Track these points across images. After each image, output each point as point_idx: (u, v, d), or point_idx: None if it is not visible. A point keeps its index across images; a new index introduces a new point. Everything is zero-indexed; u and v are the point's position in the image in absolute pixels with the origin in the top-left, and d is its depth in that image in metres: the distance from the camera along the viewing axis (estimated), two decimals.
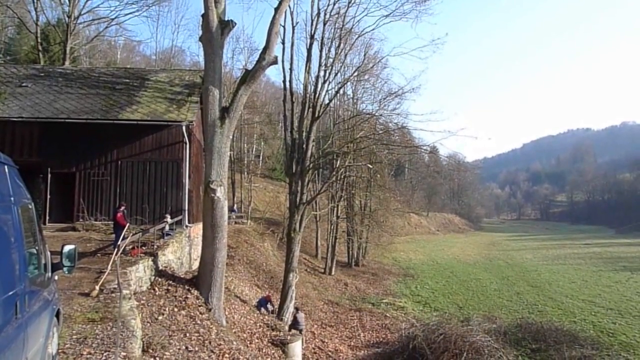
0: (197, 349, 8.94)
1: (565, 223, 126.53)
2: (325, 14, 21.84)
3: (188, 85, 21.07)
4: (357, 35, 24.00)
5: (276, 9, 14.54)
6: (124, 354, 5.43)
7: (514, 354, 17.44)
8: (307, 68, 22.19)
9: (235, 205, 39.88)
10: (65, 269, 4.60)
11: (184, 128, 17.76)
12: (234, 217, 34.57)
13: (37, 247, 4.08)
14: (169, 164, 17.96)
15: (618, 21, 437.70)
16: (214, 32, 12.96)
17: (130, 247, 12.37)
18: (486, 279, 39.35)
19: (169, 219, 16.04)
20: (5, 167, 3.56)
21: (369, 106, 38.99)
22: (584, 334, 21.08)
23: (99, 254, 12.14)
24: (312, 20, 21.91)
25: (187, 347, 8.70)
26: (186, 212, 17.99)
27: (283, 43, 21.73)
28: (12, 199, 3.53)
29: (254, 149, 59.25)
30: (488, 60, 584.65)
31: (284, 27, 21.34)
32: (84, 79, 20.89)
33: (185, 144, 17.97)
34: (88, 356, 5.40)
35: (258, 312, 18.02)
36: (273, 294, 21.68)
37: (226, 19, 13.42)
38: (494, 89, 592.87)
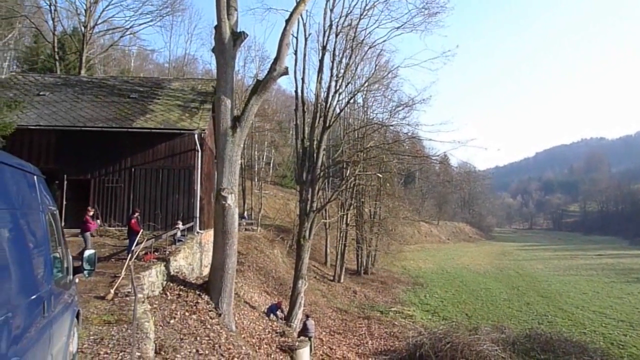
0: (207, 352, 9.17)
1: (577, 233, 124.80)
2: (337, 26, 22.23)
3: (201, 94, 21.53)
4: (368, 47, 24.36)
5: (287, 21, 14.87)
6: (139, 354, 5.68)
7: None
8: (319, 78, 22.55)
9: (246, 212, 40.25)
10: (85, 272, 4.89)
11: (196, 136, 18.15)
12: (244, 224, 34.91)
13: (60, 252, 4.37)
14: (181, 171, 18.35)
15: (631, 27, 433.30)
16: (227, 44, 13.32)
17: (144, 252, 12.70)
18: (496, 288, 39.08)
19: (180, 226, 16.39)
20: (35, 177, 3.87)
21: (379, 115, 39.33)
22: (594, 346, 20.89)
23: (113, 259, 12.48)
24: (325, 32, 22.35)
25: (197, 351, 8.94)
26: (197, 219, 18.33)
27: (295, 54, 22.17)
28: (41, 207, 3.83)
29: (265, 157, 59.76)
30: (498, 69, 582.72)
31: (296, 38, 21.85)
32: (100, 87, 21.47)
33: (198, 152, 18.36)
34: (105, 356, 5.68)
35: (267, 318, 18.21)
36: (282, 301, 21.85)
37: (238, 30, 13.81)
38: (506, 97, 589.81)
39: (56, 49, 31.86)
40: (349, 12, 22.22)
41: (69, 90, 20.70)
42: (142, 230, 13.34)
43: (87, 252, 4.93)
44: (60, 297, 4.09)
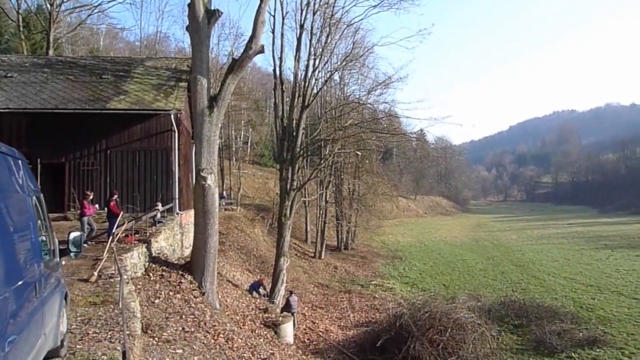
0: (193, 329, 9.38)
1: (550, 204, 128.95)
2: (314, 4, 22.04)
3: (175, 73, 21.10)
4: (345, 25, 24.34)
5: None
6: (127, 332, 5.81)
7: (496, 329, 18.21)
8: (297, 57, 22.45)
9: (225, 192, 40.12)
10: (72, 254, 4.95)
11: (172, 117, 17.89)
12: (224, 203, 34.84)
13: (47, 234, 4.42)
14: (158, 152, 18.14)
15: (602, 1, 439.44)
16: (201, 22, 13.10)
17: (124, 235, 12.68)
18: (472, 259, 40.38)
19: (160, 207, 16.33)
20: (20, 161, 3.91)
21: (356, 92, 39.32)
22: (564, 310, 21.97)
23: (92, 242, 12.43)
24: (302, 10, 22.25)
25: (183, 328, 9.13)
26: (176, 200, 18.26)
27: (273, 32, 22.02)
28: (27, 190, 3.88)
29: (242, 136, 59.26)
30: (473, 46, 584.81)
31: (273, 16, 21.63)
32: (70, 68, 20.81)
33: (174, 132, 18.13)
34: (94, 335, 5.79)
35: (250, 295, 18.51)
36: (265, 278, 22.18)
37: (212, 7, 13.58)
38: (480, 72, 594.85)
39: (21, 28, 30.56)
40: None
41: (37, 71, 20.00)
42: (122, 212, 13.27)
43: (73, 235, 4.98)
44: (50, 279, 4.17)
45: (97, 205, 13.84)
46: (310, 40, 22.78)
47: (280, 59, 22.29)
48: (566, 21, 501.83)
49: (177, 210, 18.38)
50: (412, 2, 21.41)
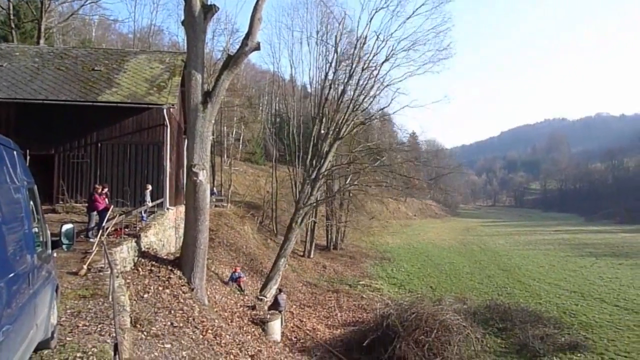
0: (181, 324, 9.37)
1: (538, 210, 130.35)
2: (363, 62, 25.65)
3: (168, 67, 20.95)
4: (385, 85, 26.63)
5: None
6: (118, 326, 5.81)
7: (481, 332, 18.40)
8: (340, 101, 26.50)
9: (215, 189, 39.94)
10: (64, 246, 4.94)
11: (164, 111, 17.80)
12: (214, 200, 34.68)
13: (39, 226, 4.41)
14: (150, 146, 18.03)
15: (594, 9, 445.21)
16: (197, 17, 13.07)
17: (113, 229, 12.59)
18: (459, 262, 40.71)
19: (148, 199, 16.21)
20: (14, 152, 3.89)
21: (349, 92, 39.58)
22: (548, 315, 22.28)
23: (82, 236, 12.33)
24: (352, 65, 25.84)
25: (172, 323, 9.12)
26: (167, 195, 18.18)
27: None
28: (21, 181, 3.86)
29: (234, 132, 59.01)
30: (468, 52, 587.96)
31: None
32: (62, 58, 20.53)
33: (166, 127, 18.05)
34: (84, 327, 5.78)
35: (227, 285, 18.59)
36: (253, 276, 22.19)
37: (209, 3, 13.54)
38: (472, 78, 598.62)
39: (12, 17, 30.09)
40: None
41: (28, 60, 19.73)
42: (112, 206, 13.18)
43: (65, 227, 4.97)
44: (42, 271, 4.17)
45: (106, 200, 13.32)
46: (354, 92, 25.88)
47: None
48: (562, 31, 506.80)
49: (168, 206, 18.31)
50: (444, 66, 23.60)
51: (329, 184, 40.90)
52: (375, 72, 25.66)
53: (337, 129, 24.80)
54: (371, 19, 24.88)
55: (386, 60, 24.88)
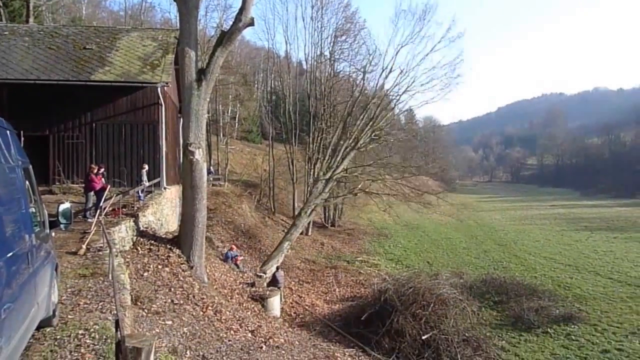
0: (182, 302, 9.50)
1: (534, 185, 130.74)
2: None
3: (161, 44, 20.63)
4: (404, 111, 29.71)
5: None
6: (119, 303, 5.88)
7: (477, 305, 18.69)
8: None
9: (212, 168, 39.86)
10: (62, 225, 4.96)
11: (159, 90, 17.64)
12: (212, 179, 34.64)
13: (36, 206, 4.42)
14: (145, 126, 17.93)
15: None
16: None
17: (111, 209, 12.62)
18: (456, 238, 41.11)
19: (145, 179, 16.20)
20: (7, 132, 3.86)
21: (346, 68, 39.31)
22: (543, 288, 22.62)
23: (79, 216, 12.35)
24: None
25: (172, 301, 9.25)
26: (164, 174, 18.16)
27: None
28: (16, 161, 3.84)
29: (230, 111, 58.49)
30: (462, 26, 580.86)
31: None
32: (52, 37, 20.18)
33: (161, 106, 17.91)
34: (85, 305, 5.85)
35: (225, 262, 18.77)
36: (252, 253, 22.37)
37: None
38: (469, 52, 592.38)
39: None
40: None
41: (18, 40, 19.37)
42: (109, 186, 13.17)
43: (62, 206, 4.98)
44: (41, 250, 4.20)
45: (103, 180, 13.17)
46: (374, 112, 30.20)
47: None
48: (557, 4, 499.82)
49: (165, 185, 18.31)
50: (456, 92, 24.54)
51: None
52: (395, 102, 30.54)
53: (355, 141, 27.93)
54: (397, 53, 30.24)
55: (405, 91, 29.87)
